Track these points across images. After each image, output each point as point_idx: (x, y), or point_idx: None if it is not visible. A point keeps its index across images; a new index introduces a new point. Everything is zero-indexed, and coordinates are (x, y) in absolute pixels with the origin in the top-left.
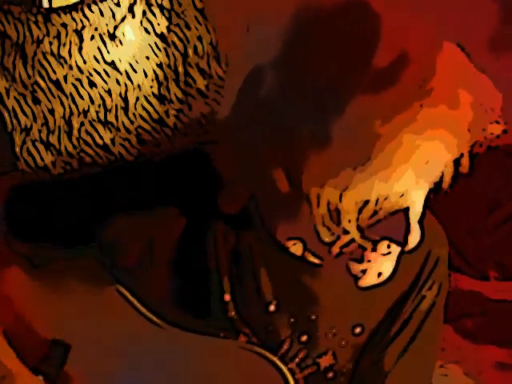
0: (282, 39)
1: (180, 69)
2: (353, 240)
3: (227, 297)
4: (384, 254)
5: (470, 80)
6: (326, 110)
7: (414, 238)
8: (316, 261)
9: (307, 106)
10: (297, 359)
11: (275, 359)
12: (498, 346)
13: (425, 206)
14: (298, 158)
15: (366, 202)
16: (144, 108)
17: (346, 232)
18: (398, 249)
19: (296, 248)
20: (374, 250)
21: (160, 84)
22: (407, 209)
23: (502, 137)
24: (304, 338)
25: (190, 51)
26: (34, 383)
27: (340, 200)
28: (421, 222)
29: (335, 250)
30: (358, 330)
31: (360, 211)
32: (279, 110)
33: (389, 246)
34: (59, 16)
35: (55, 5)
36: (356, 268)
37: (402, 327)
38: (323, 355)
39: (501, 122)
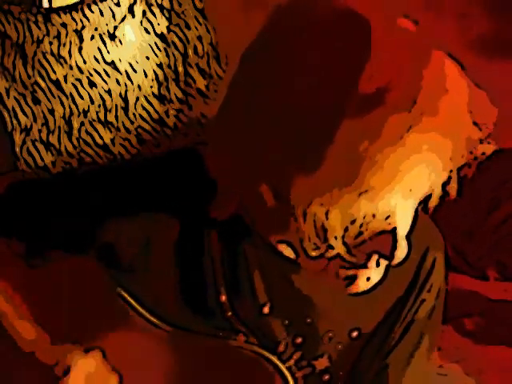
0: (267, 57)
1: (180, 69)
2: (338, 254)
3: (223, 297)
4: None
5: (461, 94)
6: (313, 131)
7: (400, 253)
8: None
9: (293, 126)
10: (292, 360)
11: (274, 358)
12: (498, 346)
13: (414, 221)
14: (285, 175)
15: (353, 222)
16: (144, 108)
17: (332, 247)
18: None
19: (289, 251)
20: (365, 266)
21: (160, 84)
22: (394, 228)
23: (507, 139)
24: (299, 340)
25: (190, 51)
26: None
27: (326, 218)
28: (408, 237)
29: (323, 262)
30: (354, 334)
31: (346, 229)
32: (263, 122)
33: (378, 263)
34: (59, 16)
35: (55, 5)
36: (344, 274)
37: (403, 332)
38: (319, 358)
39: (492, 141)
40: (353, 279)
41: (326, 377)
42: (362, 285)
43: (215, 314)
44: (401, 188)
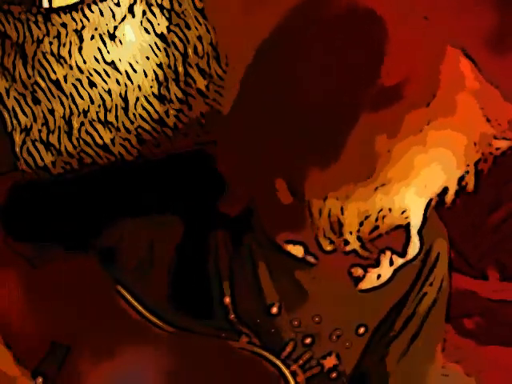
0: (281, 49)
1: (180, 69)
2: (353, 250)
3: (227, 299)
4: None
5: (477, 91)
6: (330, 126)
7: (413, 249)
8: (312, 260)
9: (309, 121)
10: (301, 361)
11: (276, 360)
12: (499, 346)
13: (425, 216)
14: (300, 169)
15: (368, 216)
16: (144, 108)
17: (347, 243)
18: (400, 259)
19: (296, 250)
20: (378, 265)
21: (160, 84)
22: (408, 223)
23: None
24: (308, 340)
25: (190, 51)
26: None
27: (342, 212)
28: (420, 232)
29: (337, 256)
30: (361, 330)
31: (361, 224)
32: (278, 119)
33: (391, 262)
34: (59, 16)
35: (55, 5)
36: (357, 272)
37: (404, 325)
38: (327, 356)
39: (508, 137)
40: (362, 277)
41: (334, 374)
42: (372, 281)
43: (217, 316)
44: (416, 183)
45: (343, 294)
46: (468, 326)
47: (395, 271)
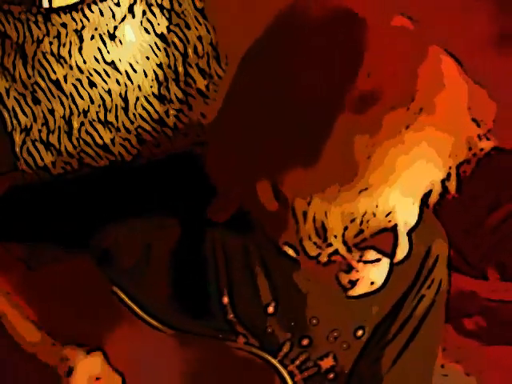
0: (266, 57)
1: (180, 69)
2: (337, 251)
3: (225, 299)
4: (372, 262)
5: (459, 90)
6: (313, 127)
7: (401, 251)
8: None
9: (292, 122)
10: (297, 361)
11: (273, 360)
12: (499, 346)
13: (419, 219)
14: (284, 173)
15: (352, 220)
16: (144, 108)
17: (331, 245)
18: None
19: (293, 252)
20: (361, 260)
21: (160, 84)
22: (395, 225)
23: (507, 139)
24: (305, 341)
25: (190, 51)
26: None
27: (326, 216)
28: (409, 235)
29: (323, 259)
30: (360, 332)
31: (346, 228)
32: (263, 120)
33: (377, 259)
34: (59, 16)
35: (55, 5)
36: (345, 278)
37: (401, 327)
38: (324, 357)
39: (491, 137)
40: (353, 284)
41: (331, 375)
42: (364, 288)
43: (216, 317)
44: (400, 184)
45: (341, 296)
46: (468, 326)
47: (388, 277)
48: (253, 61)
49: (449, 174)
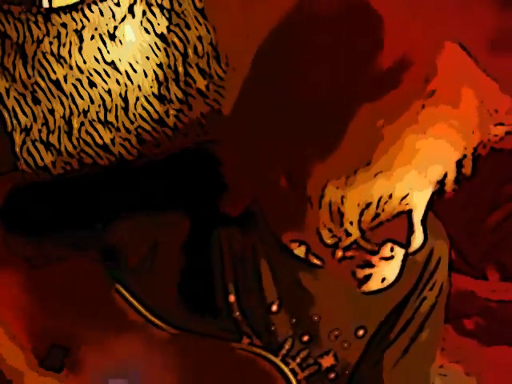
0: (280, 46)
1: (180, 69)
2: (355, 242)
3: (232, 297)
4: (387, 259)
5: (474, 81)
6: (329, 114)
7: (417, 240)
8: (318, 262)
9: (310, 111)
10: (298, 359)
11: (276, 361)
12: (499, 346)
13: (428, 207)
14: (301, 160)
15: (368, 204)
16: (144, 108)
17: (348, 234)
18: (402, 252)
19: (300, 250)
20: (377, 253)
21: (160, 84)
22: (410, 211)
23: (507, 139)
24: (306, 338)
25: (190, 51)
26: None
27: (342, 202)
28: (423, 222)
29: (338, 254)
30: (361, 332)
31: (362, 213)
32: (280, 115)
33: (392, 249)
34: (59, 16)
35: (55, 5)
36: (360, 273)
37: (403, 328)
38: (325, 355)
39: (505, 123)
40: (367, 279)
41: (332, 375)
42: (375, 284)
43: (221, 315)
44: (416, 168)
45: (343, 294)
46: (468, 326)
47: (400, 274)
48: (266, 57)
49: (464, 156)
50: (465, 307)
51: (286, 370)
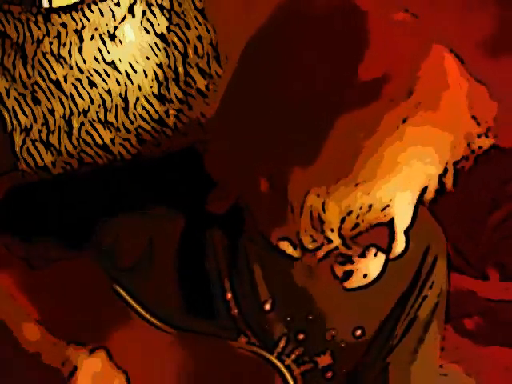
0: (265, 53)
1: (180, 69)
2: (336, 248)
3: (229, 295)
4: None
5: (459, 89)
6: (309, 122)
7: (398, 247)
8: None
9: (293, 117)
10: (293, 355)
11: (273, 359)
12: (498, 346)
13: (414, 216)
14: (282, 165)
15: (349, 213)
16: (144, 108)
17: (330, 241)
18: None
19: (288, 247)
20: (363, 255)
21: (160, 84)
22: (392, 219)
23: (507, 139)
24: (301, 336)
25: (190, 51)
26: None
27: (323, 209)
28: (406, 232)
29: (320, 254)
30: (358, 332)
31: (343, 221)
32: (262, 117)
33: (376, 254)
34: (59, 16)
35: (55, 5)
36: (339, 270)
37: (406, 330)
38: (321, 354)
39: (490, 136)
40: (348, 275)
41: (329, 374)
42: (357, 280)
43: (219, 314)
44: (397, 179)
45: (337, 293)
46: (468, 326)
47: (383, 270)
48: (253, 53)
49: (446, 170)
50: (465, 307)
51: (281, 366)
